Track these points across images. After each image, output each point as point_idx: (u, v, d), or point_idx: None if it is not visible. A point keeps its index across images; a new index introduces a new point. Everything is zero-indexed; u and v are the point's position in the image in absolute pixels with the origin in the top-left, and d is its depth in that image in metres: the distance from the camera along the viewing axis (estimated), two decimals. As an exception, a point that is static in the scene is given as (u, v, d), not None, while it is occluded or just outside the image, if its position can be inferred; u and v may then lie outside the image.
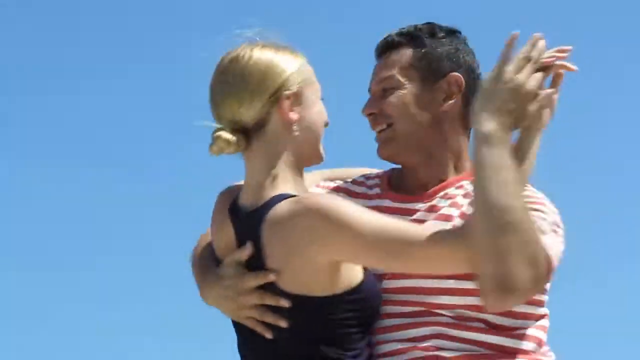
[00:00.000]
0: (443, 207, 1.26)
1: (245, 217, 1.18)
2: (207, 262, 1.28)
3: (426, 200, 1.28)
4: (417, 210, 1.27)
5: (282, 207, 1.11)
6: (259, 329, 1.16)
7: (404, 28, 1.38)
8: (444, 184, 1.30)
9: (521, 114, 1.05)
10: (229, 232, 1.22)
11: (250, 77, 1.17)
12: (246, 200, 1.19)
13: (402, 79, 1.31)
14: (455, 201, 1.26)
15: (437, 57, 1.32)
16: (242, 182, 1.25)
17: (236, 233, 1.20)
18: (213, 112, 1.21)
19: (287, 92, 1.18)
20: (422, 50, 1.32)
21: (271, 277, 1.13)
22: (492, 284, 1.00)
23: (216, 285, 1.20)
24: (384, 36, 1.38)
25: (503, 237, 0.98)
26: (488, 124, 1.02)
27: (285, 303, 1.12)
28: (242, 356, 1.26)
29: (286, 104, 1.18)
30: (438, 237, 1.05)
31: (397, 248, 1.08)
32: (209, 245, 1.31)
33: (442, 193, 1.28)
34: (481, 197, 1.02)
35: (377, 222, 1.10)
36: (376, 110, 1.31)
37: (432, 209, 1.26)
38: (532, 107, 1.05)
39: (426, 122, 1.29)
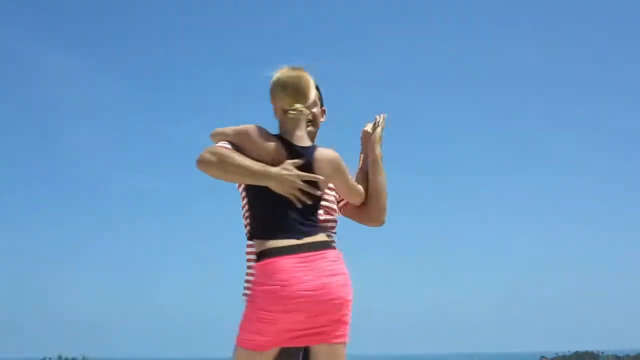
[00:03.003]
0: None
1: (299, 147, 2.33)
2: (252, 161, 2.27)
3: None
4: None
5: (326, 151, 2.39)
6: (297, 199, 2.25)
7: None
8: None
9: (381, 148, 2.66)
10: (278, 149, 2.29)
11: (311, 89, 2.47)
12: (297, 141, 2.34)
13: (316, 101, 2.67)
14: None
15: (321, 96, 2.73)
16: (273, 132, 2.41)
17: (288, 151, 2.30)
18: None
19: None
20: (318, 92, 2.67)
21: (321, 178, 2.30)
22: (379, 216, 2.62)
23: (283, 173, 2.22)
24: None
25: (385, 196, 2.59)
26: (378, 150, 2.61)
27: (318, 192, 2.32)
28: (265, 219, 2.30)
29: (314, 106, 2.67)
30: (362, 190, 2.57)
31: (354, 189, 2.52)
32: (234, 149, 2.32)
33: None
34: (379, 180, 2.58)
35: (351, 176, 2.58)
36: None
37: None
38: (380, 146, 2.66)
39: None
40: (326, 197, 2.52)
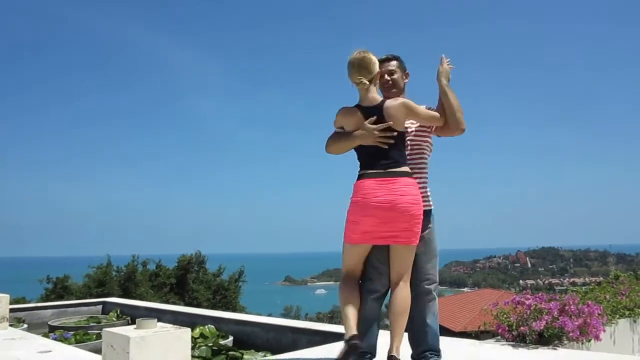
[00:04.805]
0: None
1: (371, 108, 2.84)
2: (344, 133, 2.89)
3: None
4: None
5: (391, 101, 2.86)
6: (383, 143, 2.79)
7: (390, 53, 3.10)
8: None
9: (448, 79, 2.98)
10: (357, 117, 2.83)
11: (373, 63, 2.88)
12: (369, 103, 2.87)
13: (397, 69, 3.06)
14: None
15: (403, 64, 3.10)
16: (352, 106, 2.92)
17: (364, 115, 2.83)
18: (360, 74, 2.86)
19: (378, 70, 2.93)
20: (399, 61, 3.08)
21: (390, 124, 2.78)
22: (457, 127, 2.93)
23: (362, 132, 2.79)
24: (386, 56, 3.08)
25: (459, 112, 2.91)
26: (445, 81, 2.96)
27: (394, 133, 2.81)
28: (365, 159, 2.88)
29: (378, 74, 2.93)
30: (437, 114, 2.93)
31: (428, 116, 2.90)
32: (337, 131, 2.95)
33: None
34: (450, 102, 2.91)
35: (423, 108, 2.91)
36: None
37: None
38: (448, 77, 2.99)
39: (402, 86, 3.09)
40: (415, 134, 2.97)
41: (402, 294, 2.78)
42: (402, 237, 2.77)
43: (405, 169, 2.81)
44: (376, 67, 2.86)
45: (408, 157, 2.92)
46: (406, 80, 3.11)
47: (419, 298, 2.89)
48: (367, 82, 2.80)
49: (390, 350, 2.81)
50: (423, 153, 3.01)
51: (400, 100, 2.84)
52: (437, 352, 2.96)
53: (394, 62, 3.05)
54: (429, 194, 2.98)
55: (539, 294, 4.12)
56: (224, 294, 21.83)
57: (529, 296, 4.06)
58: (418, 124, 2.97)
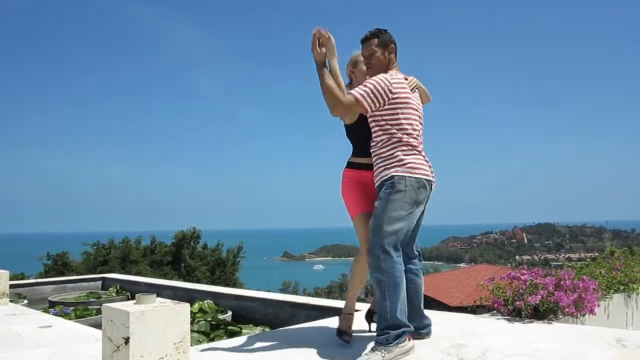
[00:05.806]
0: None
1: None
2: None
3: None
4: None
5: None
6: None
7: (369, 31, 2.94)
8: None
9: (322, 60, 2.77)
10: None
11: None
12: None
13: (375, 48, 2.89)
14: None
15: (384, 38, 2.91)
16: None
17: None
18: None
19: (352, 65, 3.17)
20: (378, 38, 2.91)
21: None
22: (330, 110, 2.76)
23: None
24: (364, 35, 2.96)
25: (325, 95, 2.72)
26: (318, 63, 2.77)
27: None
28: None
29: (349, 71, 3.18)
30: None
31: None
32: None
33: None
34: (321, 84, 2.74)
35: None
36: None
37: None
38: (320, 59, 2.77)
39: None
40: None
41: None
42: None
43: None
44: (346, 70, 3.17)
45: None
46: (390, 55, 2.89)
47: None
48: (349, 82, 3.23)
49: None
50: (373, 134, 2.86)
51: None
52: (381, 334, 2.62)
53: (372, 41, 2.89)
54: (382, 165, 2.79)
55: (535, 269, 4.17)
56: (222, 269, 22.07)
57: (524, 271, 4.10)
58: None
